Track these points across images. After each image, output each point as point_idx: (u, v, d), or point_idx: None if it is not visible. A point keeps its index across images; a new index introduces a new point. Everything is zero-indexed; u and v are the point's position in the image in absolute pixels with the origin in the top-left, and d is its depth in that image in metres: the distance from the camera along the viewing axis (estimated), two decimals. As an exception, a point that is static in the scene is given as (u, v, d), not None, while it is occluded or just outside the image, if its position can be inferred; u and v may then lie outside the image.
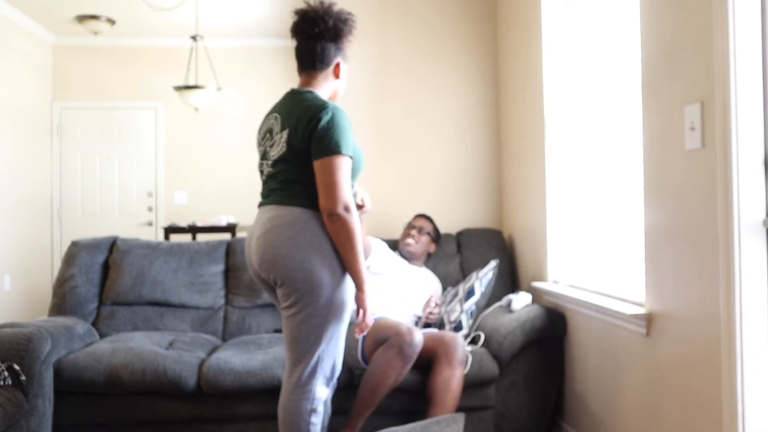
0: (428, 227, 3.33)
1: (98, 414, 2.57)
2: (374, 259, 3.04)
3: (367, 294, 2.03)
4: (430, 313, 3.00)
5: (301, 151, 2.00)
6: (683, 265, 1.89)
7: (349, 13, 2.16)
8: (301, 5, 2.20)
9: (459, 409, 2.59)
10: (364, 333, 2.11)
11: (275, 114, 2.12)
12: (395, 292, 3.03)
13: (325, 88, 2.16)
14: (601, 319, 2.43)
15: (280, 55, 6.39)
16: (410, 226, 3.34)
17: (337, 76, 2.18)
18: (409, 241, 3.24)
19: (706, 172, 1.77)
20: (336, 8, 2.13)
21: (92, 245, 3.22)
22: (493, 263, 3.04)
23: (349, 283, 2.04)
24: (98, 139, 6.48)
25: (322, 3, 2.13)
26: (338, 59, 2.17)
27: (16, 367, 2.21)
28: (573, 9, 2.83)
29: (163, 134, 6.50)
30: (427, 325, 3.03)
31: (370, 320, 2.06)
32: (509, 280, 3.42)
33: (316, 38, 2.12)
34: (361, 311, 2.06)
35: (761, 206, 1.66)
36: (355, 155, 2.05)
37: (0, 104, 5.36)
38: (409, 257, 3.24)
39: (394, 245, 3.41)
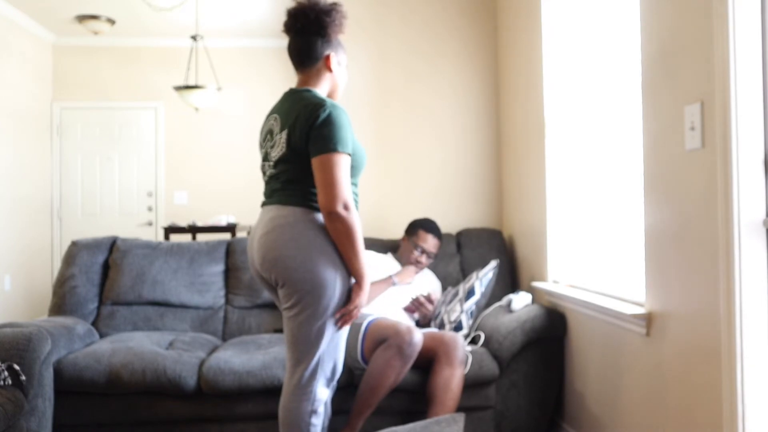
0: (438, 248, 3.26)
1: (98, 414, 2.57)
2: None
3: (364, 290, 2.02)
4: (421, 304, 2.98)
5: (300, 150, 1.99)
6: (683, 265, 1.89)
7: (334, 4, 2.11)
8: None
9: (459, 409, 2.58)
10: (346, 325, 2.04)
11: (275, 115, 2.12)
12: (394, 293, 3.03)
13: (322, 85, 2.14)
14: (601, 319, 2.43)
15: (280, 55, 6.39)
16: (424, 251, 3.17)
17: (329, 69, 2.14)
18: (418, 267, 3.17)
19: (706, 172, 1.76)
20: (321, 2, 2.10)
21: (92, 245, 3.22)
22: (493, 263, 3.04)
23: (351, 283, 2.03)
24: (98, 139, 6.48)
25: None
26: (327, 52, 2.12)
27: (16, 367, 2.20)
28: (573, 9, 2.83)
29: (163, 134, 6.50)
30: (426, 325, 3.03)
31: (356, 314, 2.02)
32: (509, 280, 3.42)
33: (301, 33, 2.10)
34: (353, 302, 2.01)
35: (761, 206, 1.66)
36: (355, 153, 2.04)
37: (0, 104, 5.36)
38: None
39: (393, 246, 3.41)
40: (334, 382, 2.10)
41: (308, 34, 2.09)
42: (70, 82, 6.42)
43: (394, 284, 3.00)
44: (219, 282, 3.23)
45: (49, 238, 6.34)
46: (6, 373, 2.17)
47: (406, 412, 2.63)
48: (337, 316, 2.00)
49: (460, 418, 1.89)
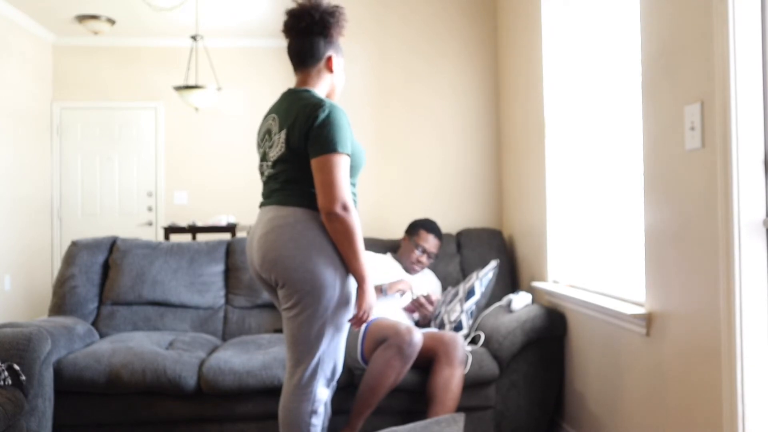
0: (438, 248, 3.27)
1: (98, 414, 2.57)
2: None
3: (368, 292, 2.02)
4: (421, 304, 2.97)
5: (299, 150, 1.99)
6: (683, 265, 1.89)
7: (337, 6, 2.12)
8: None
9: (459, 409, 2.59)
10: (361, 327, 2.07)
11: (273, 115, 2.11)
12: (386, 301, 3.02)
13: (321, 85, 2.14)
14: (601, 319, 2.43)
15: (280, 55, 6.39)
16: (425, 251, 3.19)
17: (330, 70, 2.14)
18: (419, 267, 3.20)
19: (706, 172, 1.76)
20: (324, 3, 2.11)
21: (92, 245, 3.22)
22: (493, 263, 3.04)
23: (351, 283, 2.02)
24: (98, 139, 6.47)
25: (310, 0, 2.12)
26: (329, 53, 2.13)
27: (16, 367, 2.20)
28: (573, 9, 2.83)
29: (163, 134, 6.50)
30: (426, 325, 3.03)
31: (366, 317, 2.02)
32: (509, 280, 3.42)
33: (304, 34, 2.09)
34: (361, 307, 2.03)
35: (761, 206, 1.66)
36: (354, 153, 2.04)
37: (0, 104, 5.36)
38: (408, 270, 3.22)
39: (393, 246, 3.41)
40: (334, 383, 2.10)
41: (312, 35, 2.09)
42: (70, 82, 6.42)
43: (383, 292, 2.98)
44: (219, 282, 3.23)
45: (49, 238, 6.34)
46: (6, 373, 2.17)
47: (406, 412, 2.63)
48: (350, 323, 2.02)
49: (460, 418, 1.89)
